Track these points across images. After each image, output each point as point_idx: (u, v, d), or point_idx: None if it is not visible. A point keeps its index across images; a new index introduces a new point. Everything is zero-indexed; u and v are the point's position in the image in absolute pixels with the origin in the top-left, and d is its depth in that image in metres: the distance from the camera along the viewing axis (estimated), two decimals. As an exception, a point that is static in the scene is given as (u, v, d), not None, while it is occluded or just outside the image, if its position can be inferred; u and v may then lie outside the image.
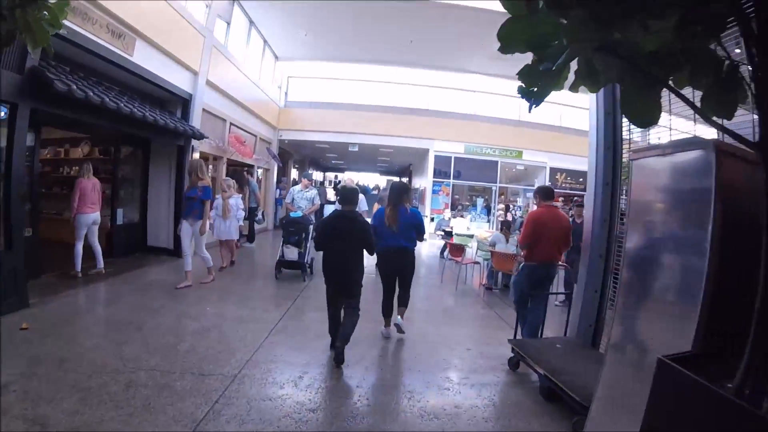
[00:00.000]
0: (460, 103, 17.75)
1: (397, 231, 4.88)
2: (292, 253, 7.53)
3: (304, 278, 7.59)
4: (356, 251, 4.31)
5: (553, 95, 1.50)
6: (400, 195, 5.03)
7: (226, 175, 11.59)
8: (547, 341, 4.68)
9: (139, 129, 7.36)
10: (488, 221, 17.42)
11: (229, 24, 11.17)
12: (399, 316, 5.06)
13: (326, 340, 4.48)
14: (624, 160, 4.57)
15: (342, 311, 4.33)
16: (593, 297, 4.68)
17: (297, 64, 17.29)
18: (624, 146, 4.50)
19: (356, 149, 16.68)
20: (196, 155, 9.21)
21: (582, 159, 17.73)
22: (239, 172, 13.13)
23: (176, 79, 8.53)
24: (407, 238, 4.96)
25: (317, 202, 8.11)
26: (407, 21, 12.67)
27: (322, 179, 37.19)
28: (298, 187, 8.19)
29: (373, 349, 4.64)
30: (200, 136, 8.95)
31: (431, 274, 9.60)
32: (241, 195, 7.87)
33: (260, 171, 14.61)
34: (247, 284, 7.35)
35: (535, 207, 5.35)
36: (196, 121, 9.22)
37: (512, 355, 4.29)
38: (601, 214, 4.73)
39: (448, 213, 13.18)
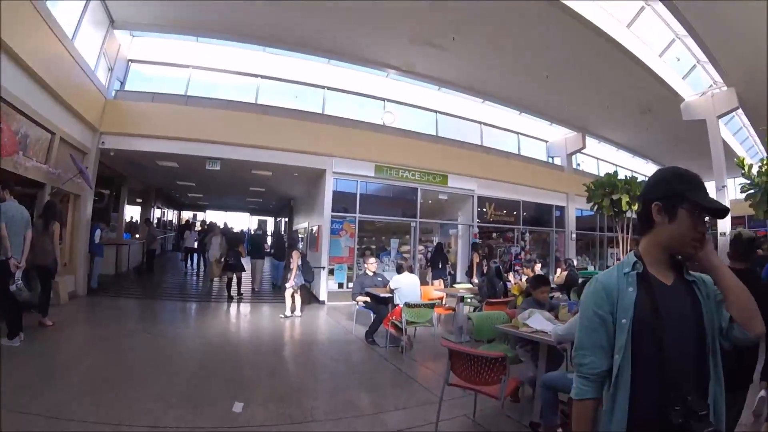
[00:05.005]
0: (368, 108, 13.26)
1: None
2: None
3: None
4: None
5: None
6: None
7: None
8: None
9: None
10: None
11: None
12: None
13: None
14: None
15: None
16: None
17: (142, 41, 11.39)
18: None
19: (217, 167, 10.86)
20: None
21: (511, 186, 14.41)
22: None
23: None
24: None
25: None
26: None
27: (177, 220, 29.32)
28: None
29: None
30: None
31: None
32: None
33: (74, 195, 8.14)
34: None
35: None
36: None
37: None
38: None
39: (373, 263, 8.12)
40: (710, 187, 16.93)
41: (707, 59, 11.16)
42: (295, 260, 8.93)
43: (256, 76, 12.20)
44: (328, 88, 12.76)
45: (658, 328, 1.44)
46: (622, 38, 10.49)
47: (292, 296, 8.87)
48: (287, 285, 8.86)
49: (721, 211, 1.53)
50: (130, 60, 11.50)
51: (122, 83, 11.26)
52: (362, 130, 12.26)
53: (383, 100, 13.52)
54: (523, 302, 4.61)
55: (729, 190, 12.86)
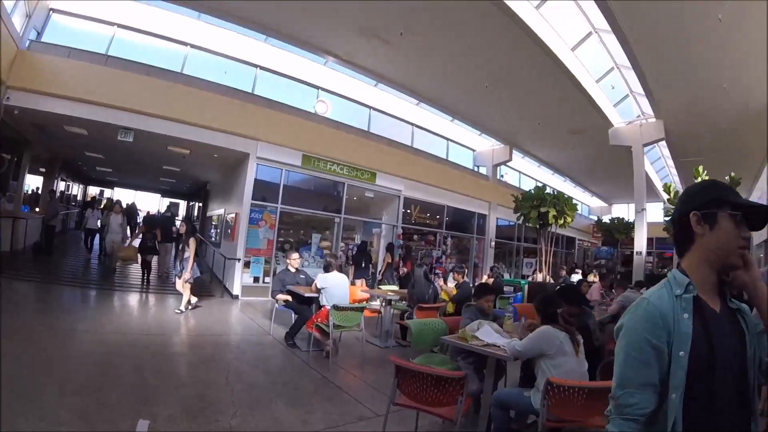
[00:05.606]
0: (301, 95, 12.55)
1: None
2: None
3: None
4: None
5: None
6: None
7: None
8: None
9: None
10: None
11: None
12: None
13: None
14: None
15: None
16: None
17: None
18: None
19: (130, 139, 9.48)
20: None
21: (437, 190, 14.42)
22: None
23: None
24: None
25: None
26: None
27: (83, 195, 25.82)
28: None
29: None
30: None
31: None
32: None
33: None
34: None
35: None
36: None
37: None
38: None
39: (296, 258, 7.48)
40: (630, 210, 18.33)
41: (643, 91, 11.87)
42: (192, 248, 7.94)
43: (185, 44, 10.93)
44: (261, 68, 11.86)
45: (711, 363, 1.21)
46: (566, 59, 10.78)
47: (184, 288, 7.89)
48: (186, 278, 7.76)
49: (765, 213, 1.30)
50: (51, 9, 9.79)
51: (39, 34, 9.57)
52: (293, 116, 11.54)
53: (318, 88, 12.87)
54: (466, 311, 4.34)
55: (646, 214, 13.87)
